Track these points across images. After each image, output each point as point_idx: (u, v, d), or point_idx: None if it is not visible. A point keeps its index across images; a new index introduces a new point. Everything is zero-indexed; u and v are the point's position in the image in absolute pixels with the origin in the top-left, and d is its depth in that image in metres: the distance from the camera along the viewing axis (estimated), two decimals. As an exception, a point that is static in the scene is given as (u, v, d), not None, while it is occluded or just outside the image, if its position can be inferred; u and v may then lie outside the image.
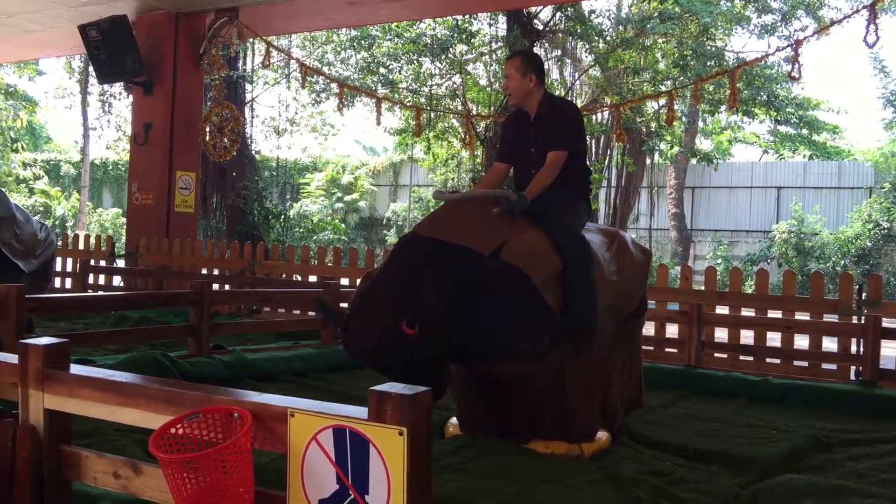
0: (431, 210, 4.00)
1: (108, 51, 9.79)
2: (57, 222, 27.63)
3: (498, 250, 3.51)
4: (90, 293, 7.83)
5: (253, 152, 16.41)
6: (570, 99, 13.54)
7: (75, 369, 2.20)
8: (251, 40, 12.62)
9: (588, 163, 15.84)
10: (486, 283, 3.50)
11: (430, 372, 3.35)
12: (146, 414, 1.97)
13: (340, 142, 47.73)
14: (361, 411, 1.72)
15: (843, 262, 17.35)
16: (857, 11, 6.96)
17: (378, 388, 1.69)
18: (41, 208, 28.10)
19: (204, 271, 9.47)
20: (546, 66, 15.33)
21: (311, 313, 6.99)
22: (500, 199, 3.83)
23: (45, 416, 2.16)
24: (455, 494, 3.09)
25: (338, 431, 1.74)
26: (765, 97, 15.38)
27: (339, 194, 26.87)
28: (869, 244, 17.56)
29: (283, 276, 8.95)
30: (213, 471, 1.77)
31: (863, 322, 5.59)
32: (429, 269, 3.38)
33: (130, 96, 11.31)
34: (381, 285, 3.41)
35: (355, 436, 1.71)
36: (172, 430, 1.86)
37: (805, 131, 21.46)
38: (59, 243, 10.62)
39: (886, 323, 5.63)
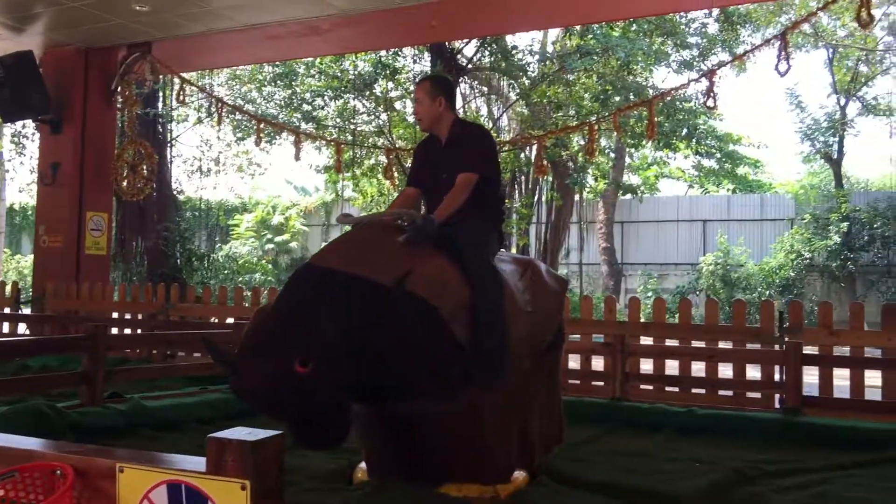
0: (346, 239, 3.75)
1: (13, 87, 9.36)
2: (-28, 270, 26.46)
3: (402, 280, 3.28)
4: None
5: (175, 192, 15.97)
6: (496, 135, 13.54)
7: None
8: (171, 78, 12.30)
9: (517, 198, 15.85)
10: (389, 316, 3.26)
11: (328, 414, 3.09)
12: (-42, 474, 1.68)
13: (270, 182, 47.11)
14: (199, 463, 1.47)
15: (768, 292, 17.65)
16: (769, 41, 7.05)
17: (217, 434, 1.45)
18: (-45, 256, 26.90)
19: (115, 315, 9.02)
20: (473, 102, 15.32)
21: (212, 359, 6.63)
22: (406, 223, 3.63)
23: None
24: (356, 548, 2.83)
25: (172, 487, 1.48)
26: (686, 131, 15.65)
27: (270, 235, 26.40)
28: (792, 274, 17.93)
29: (200, 318, 8.56)
30: (27, 540, 1.50)
31: (784, 349, 5.54)
32: (324, 301, 3.13)
33: (39, 135, 10.86)
34: (272, 320, 3.14)
35: (192, 492, 1.46)
36: (-20, 493, 1.58)
37: (728, 165, 21.96)
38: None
39: (808, 350, 5.59)
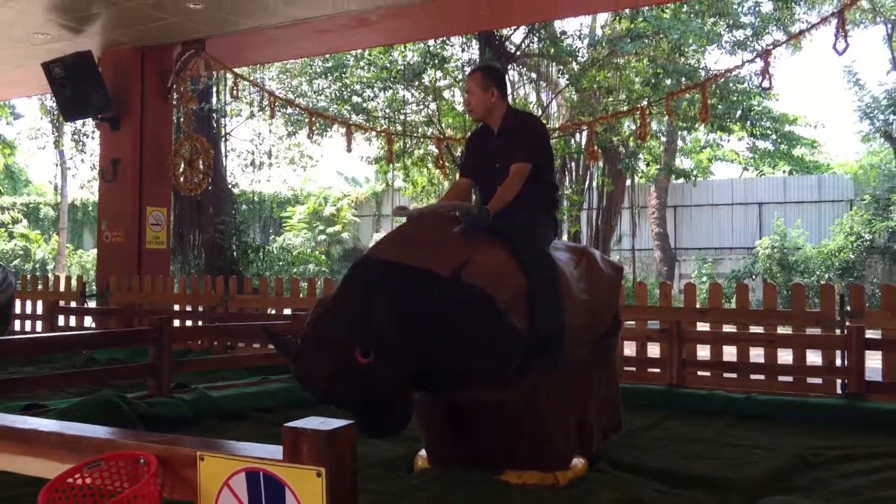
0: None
1: (73, 87, 9.63)
2: (37, 265, 27.31)
3: (458, 271, 3.32)
4: (43, 334, 7.59)
5: (230, 186, 16.23)
6: (545, 121, 13.47)
7: (-24, 416, 1.99)
8: (224, 74, 12.50)
9: (568, 184, 15.74)
10: (446, 307, 3.31)
11: (388, 403, 3.15)
12: (48, 463, 1.77)
13: (322, 173, 47.54)
14: (276, 451, 1.53)
15: (827, 275, 17.27)
16: (826, 19, 6.89)
17: (293, 424, 1.51)
18: (21, 252, 27.79)
19: (176, 308, 9.25)
20: (522, 89, 15.23)
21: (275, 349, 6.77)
22: (461, 214, 3.66)
23: (-56, 469, 1.96)
24: (420, 533, 2.89)
25: (251, 475, 1.54)
26: (740, 113, 15.36)
27: (322, 226, 26.70)
28: (852, 256, 17.50)
29: (258, 310, 8.73)
30: (115, 525, 1.57)
31: (846, 333, 5.44)
32: (384, 293, 3.19)
33: (99, 133, 11.13)
34: (333, 312, 3.21)
35: (269, 479, 1.52)
36: (70, 481, 1.66)
37: (783, 146, 21.51)
38: (29, 286, 10.41)
39: (870, 333, 5.48)
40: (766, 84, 7.12)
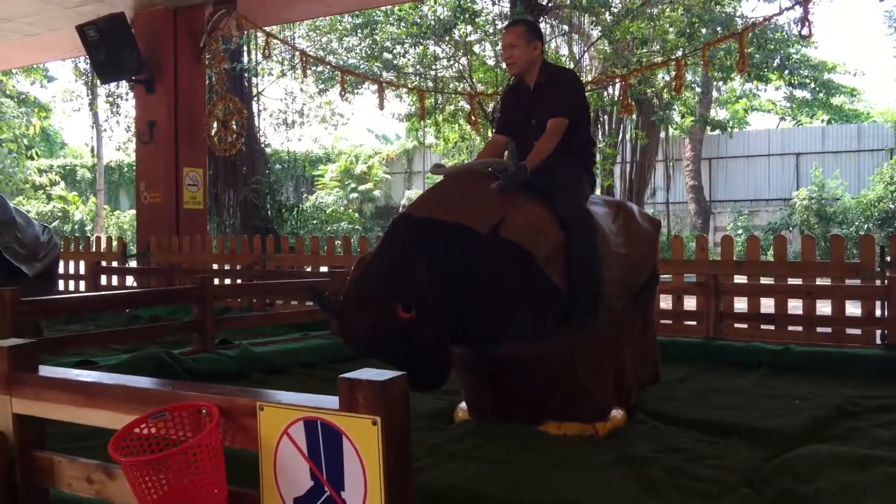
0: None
1: (107, 50, 9.71)
2: (75, 227, 27.80)
3: (496, 227, 3.35)
4: (90, 293, 7.78)
5: (263, 146, 16.32)
6: (578, 73, 13.32)
7: (43, 371, 2.09)
8: (254, 33, 12.50)
9: (601, 138, 15.59)
10: (485, 262, 3.35)
11: (430, 357, 3.22)
12: (114, 415, 1.86)
13: (352, 131, 47.68)
14: (333, 401, 1.60)
15: (866, 226, 17.01)
16: (868, -37, 6.70)
17: (348, 375, 1.57)
18: (59, 214, 28.28)
19: (215, 267, 9.41)
20: (553, 42, 15.02)
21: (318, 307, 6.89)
22: (498, 171, 3.68)
23: (14, 421, 2.06)
24: (462, 483, 2.97)
25: (309, 424, 1.61)
26: (778, 61, 15.05)
27: (354, 184, 26.80)
28: (892, 206, 17.20)
29: (294, 267, 8.86)
30: (180, 472, 1.66)
31: (886, 284, 5.40)
32: (423, 249, 3.23)
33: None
34: (374, 269, 3.27)
35: (327, 428, 1.58)
36: (137, 431, 1.75)
37: (822, 95, 21.07)
38: (72, 247, 10.64)
39: (911, 284, 5.43)
40: (804, 32, 6.98)
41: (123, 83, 13.71)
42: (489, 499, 2.82)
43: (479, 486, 2.93)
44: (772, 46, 14.64)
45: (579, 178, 3.93)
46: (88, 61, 17.70)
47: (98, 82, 15.30)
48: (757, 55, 14.20)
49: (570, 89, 4.00)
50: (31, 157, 27.87)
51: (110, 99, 16.35)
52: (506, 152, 4.36)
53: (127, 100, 15.81)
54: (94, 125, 21.59)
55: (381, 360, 3.29)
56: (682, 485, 2.89)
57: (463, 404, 3.99)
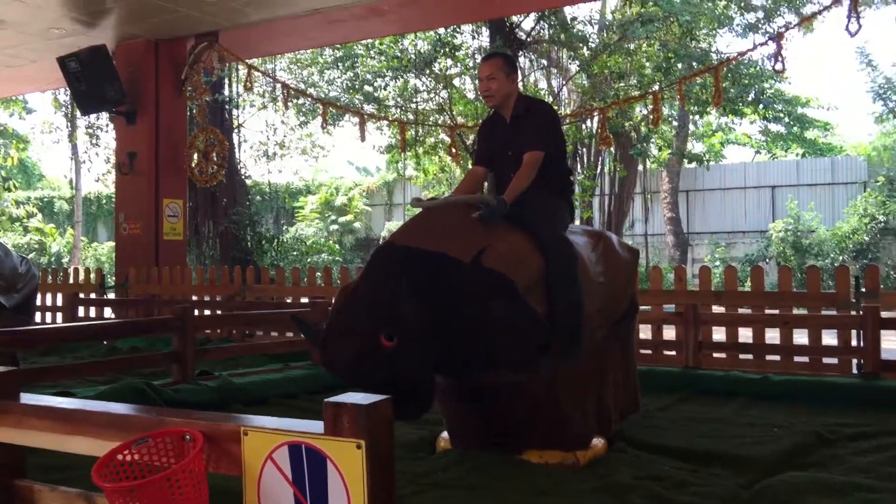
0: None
1: (89, 81, 9.72)
2: (52, 259, 27.53)
3: (479, 256, 3.38)
4: (67, 325, 7.71)
5: (243, 178, 16.32)
6: (556, 107, 13.49)
7: (25, 398, 2.08)
8: (235, 65, 12.57)
9: (579, 170, 15.72)
10: (468, 291, 3.37)
11: (413, 386, 3.22)
12: (96, 441, 1.85)
13: (333, 164, 47.74)
14: (317, 425, 1.61)
15: (841, 257, 17.24)
16: (838, 1, 6.88)
17: (333, 399, 1.58)
18: (36, 246, 28.01)
19: (195, 298, 9.35)
20: (532, 76, 15.20)
21: (302, 336, 6.88)
22: (478, 205, 3.71)
23: (-5, 449, 2.05)
24: (445, 511, 2.97)
25: (293, 448, 1.62)
26: (752, 96, 15.33)
27: (334, 216, 26.80)
28: (867, 238, 17.46)
29: (274, 298, 8.83)
30: (164, 498, 1.65)
31: (861, 314, 5.48)
32: (406, 278, 3.26)
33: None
34: (357, 298, 3.28)
35: (312, 452, 1.59)
36: (120, 458, 1.74)
37: (796, 129, 21.43)
38: (49, 279, 10.54)
39: (885, 314, 5.51)
40: (778, 67, 7.13)
41: (103, 114, 13.70)
42: (472, 527, 2.81)
43: (463, 514, 2.93)
44: (746, 81, 14.93)
45: (557, 207, 3.98)
46: (68, 93, 17.72)
47: (78, 113, 15.28)
48: (732, 89, 14.46)
49: (545, 121, 4.05)
50: (9, 189, 27.63)
51: (90, 130, 16.31)
52: (485, 183, 4.40)
53: (107, 131, 15.78)
54: (73, 157, 21.52)
55: (363, 390, 3.29)
56: (663, 512, 2.91)
57: (445, 434, 3.99)
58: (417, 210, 3.86)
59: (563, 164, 4.20)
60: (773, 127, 21.39)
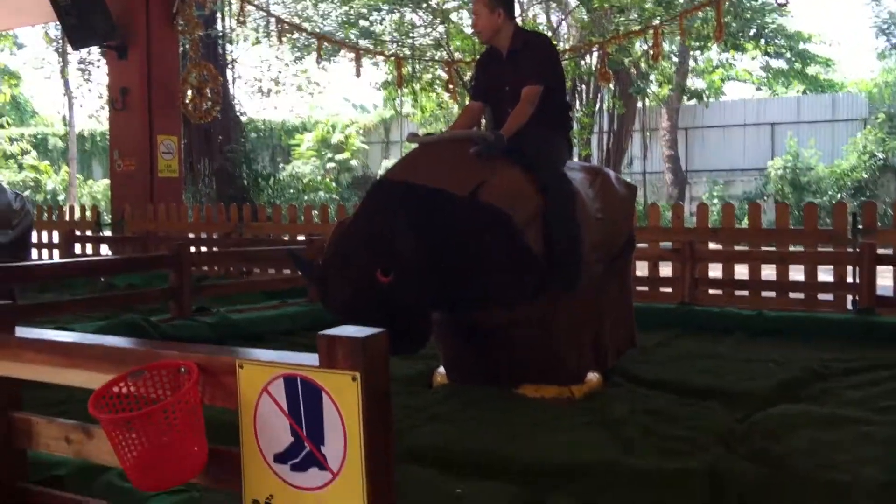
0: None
1: (79, 14, 9.53)
2: (48, 196, 27.40)
3: (476, 191, 3.35)
4: (65, 260, 7.70)
5: (238, 115, 16.16)
6: (556, 42, 13.26)
7: (20, 332, 2.07)
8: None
9: (578, 107, 15.56)
10: (464, 226, 3.35)
11: (409, 321, 3.23)
12: (92, 374, 1.85)
13: (329, 101, 47.29)
14: (312, 358, 1.60)
15: (839, 195, 17.21)
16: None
17: (328, 332, 1.57)
18: (31, 183, 27.86)
19: (191, 236, 9.34)
20: (531, 10, 14.94)
21: (299, 273, 6.88)
22: (476, 140, 3.67)
23: (-9, 382, 2.05)
24: (442, 444, 3.00)
25: (289, 380, 1.62)
26: (754, 31, 15.08)
27: (330, 154, 26.57)
28: (865, 176, 17.41)
29: (271, 236, 8.82)
30: (160, 429, 1.66)
31: (858, 250, 5.48)
32: (403, 213, 3.23)
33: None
34: (353, 234, 3.27)
35: (307, 384, 1.59)
36: (116, 390, 1.74)
37: (797, 65, 21.14)
38: (45, 216, 10.51)
39: (881, 250, 5.52)
40: (781, 0, 6.98)
41: (95, 50, 13.48)
42: (469, 459, 2.85)
43: (459, 446, 2.96)
44: (748, 15, 14.68)
45: (556, 142, 3.93)
46: (59, 27, 17.40)
47: (69, 49, 15.03)
48: (734, 24, 14.23)
49: (543, 55, 3.98)
50: (2, 126, 27.40)
51: (82, 66, 16.11)
52: (482, 119, 4.34)
53: (98, 67, 15.57)
54: (66, 93, 21.25)
55: (360, 325, 3.29)
56: (657, 444, 2.94)
57: (441, 369, 4.01)
58: (414, 146, 3.81)
59: (561, 99, 4.14)
60: (775, 63, 21.11)
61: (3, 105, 28.07)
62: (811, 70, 22.35)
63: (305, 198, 20.79)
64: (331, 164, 26.29)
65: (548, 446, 2.94)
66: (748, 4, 14.50)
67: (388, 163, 25.68)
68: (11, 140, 29.02)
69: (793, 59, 20.35)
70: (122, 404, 1.74)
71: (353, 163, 26.56)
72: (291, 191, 19.90)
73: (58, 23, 10.98)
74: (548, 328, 3.69)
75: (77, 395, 3.35)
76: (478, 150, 3.57)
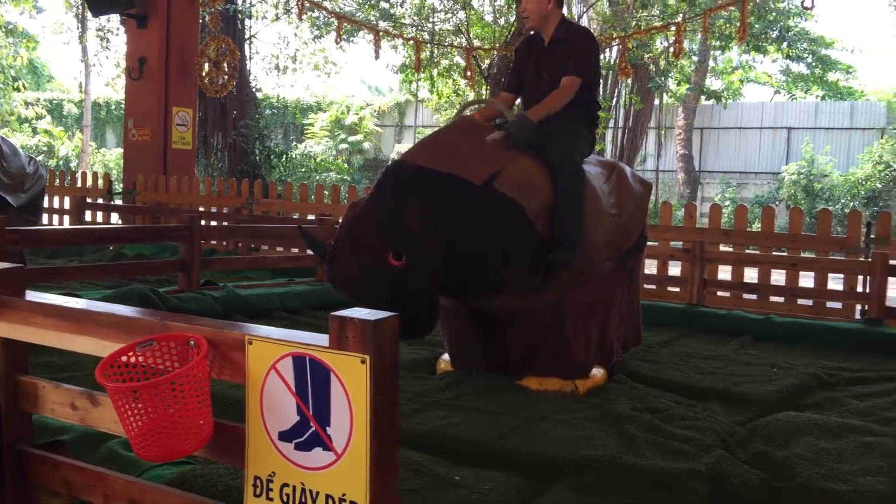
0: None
1: (100, -19, 9.52)
2: (60, 162, 27.46)
3: (492, 179, 3.34)
4: (76, 226, 7.71)
5: (254, 90, 16.11)
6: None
7: (30, 296, 2.07)
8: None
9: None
10: (478, 214, 3.34)
11: (418, 306, 3.22)
12: (100, 342, 1.85)
13: (345, 81, 47.16)
14: (322, 338, 1.60)
15: (852, 203, 17.10)
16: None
17: (339, 313, 1.56)
18: (45, 148, 27.92)
19: (201, 209, 9.34)
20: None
21: (309, 252, 6.88)
22: (500, 123, 3.64)
23: (0, 344, 2.05)
24: (443, 430, 3.00)
25: (297, 360, 1.61)
26: (777, 33, 14.96)
27: (344, 135, 26.55)
28: (879, 186, 17.29)
29: (281, 213, 8.81)
30: (166, 401, 1.66)
31: (870, 260, 5.44)
32: (416, 198, 3.22)
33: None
34: (366, 215, 3.25)
35: (316, 364, 1.59)
36: (124, 359, 1.74)
37: (818, 70, 20.99)
38: (57, 181, 10.52)
39: (894, 261, 5.48)
40: (807, 3, 6.92)
41: (115, 17, 13.45)
42: (472, 446, 2.85)
43: (462, 433, 2.96)
44: (772, 17, 14.56)
45: (580, 136, 3.88)
46: (79, -7, 17.35)
47: (89, 15, 15.02)
48: (757, 25, 14.11)
49: (587, 50, 3.93)
50: (18, 89, 27.38)
51: (100, 33, 16.05)
52: (513, 110, 4.31)
53: (117, 35, 15.52)
54: (84, 59, 21.24)
55: (367, 306, 3.29)
56: (659, 443, 2.93)
57: (445, 355, 4.01)
58: (428, 130, 3.79)
59: (593, 97, 4.09)
60: (795, 67, 20.96)
61: (20, 68, 28.04)
62: (831, 76, 22.21)
63: (317, 178, 20.76)
64: (343, 146, 26.28)
65: (549, 439, 2.93)
66: (772, 6, 14.38)
67: (401, 147, 25.66)
68: (27, 104, 29.06)
69: (814, 63, 20.21)
70: (130, 374, 1.74)
71: (366, 145, 26.54)
72: (303, 169, 19.85)
73: (79, -12, 10.99)
74: (556, 320, 3.67)
75: (86, 362, 3.38)
76: (507, 140, 3.54)
